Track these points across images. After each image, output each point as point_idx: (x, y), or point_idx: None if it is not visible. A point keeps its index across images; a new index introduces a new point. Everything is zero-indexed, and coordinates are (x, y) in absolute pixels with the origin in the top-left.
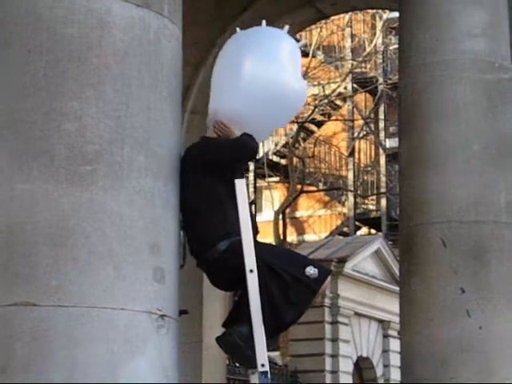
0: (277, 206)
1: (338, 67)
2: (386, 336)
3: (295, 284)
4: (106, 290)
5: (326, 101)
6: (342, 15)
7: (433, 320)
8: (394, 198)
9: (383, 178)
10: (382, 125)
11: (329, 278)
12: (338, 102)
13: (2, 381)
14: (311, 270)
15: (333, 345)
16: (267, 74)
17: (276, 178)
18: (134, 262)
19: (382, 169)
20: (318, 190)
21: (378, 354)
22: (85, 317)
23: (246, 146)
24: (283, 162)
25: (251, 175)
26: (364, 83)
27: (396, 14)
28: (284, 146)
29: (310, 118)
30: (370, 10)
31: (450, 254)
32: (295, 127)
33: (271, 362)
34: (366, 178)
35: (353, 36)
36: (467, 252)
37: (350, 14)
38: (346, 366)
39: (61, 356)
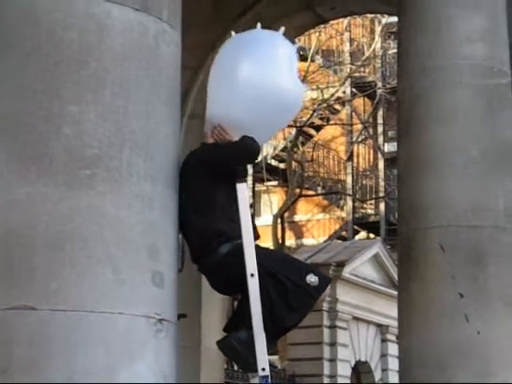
0: (275, 210)
1: (337, 71)
2: (384, 340)
3: (295, 290)
4: (105, 293)
5: (324, 105)
6: (340, 19)
7: (431, 324)
8: (392, 203)
9: (382, 183)
10: (380, 129)
11: (328, 286)
12: (337, 106)
13: (2, 381)
14: (312, 278)
15: (331, 349)
16: (263, 77)
17: (275, 182)
18: (132, 266)
19: (381, 173)
20: (317, 194)
21: (377, 359)
22: (83, 321)
23: (248, 148)
24: (282, 166)
25: (250, 179)
26: (363, 87)
27: (395, 19)
28: (283, 150)
29: (309, 122)
30: (368, 15)
31: (449, 258)
32: (294, 131)
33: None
34: (364, 182)
35: (351, 40)
36: (465, 257)
37: (348, 18)
38: (345, 370)
39: (59, 360)
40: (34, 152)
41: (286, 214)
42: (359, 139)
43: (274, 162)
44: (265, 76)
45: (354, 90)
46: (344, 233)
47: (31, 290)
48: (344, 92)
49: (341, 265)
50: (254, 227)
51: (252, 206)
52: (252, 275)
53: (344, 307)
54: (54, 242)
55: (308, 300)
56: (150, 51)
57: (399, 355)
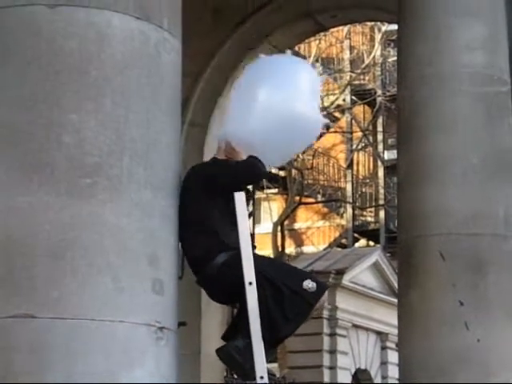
0: (275, 218)
1: (337, 79)
2: (384, 348)
3: (292, 297)
4: (105, 302)
5: (324, 113)
6: (340, 27)
7: (431, 332)
8: (392, 210)
9: (381, 190)
10: (380, 137)
11: (326, 292)
12: (337, 114)
13: None
14: (309, 284)
15: (331, 357)
16: (283, 103)
17: (274, 190)
18: (132, 274)
19: (381, 181)
20: (317, 202)
21: (377, 366)
22: (83, 329)
23: (255, 170)
24: (282, 173)
25: (249, 187)
26: (362, 95)
27: (395, 27)
28: None
29: None
30: (368, 23)
31: (449, 266)
32: None
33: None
34: (364, 189)
35: (351, 48)
36: (466, 264)
37: (348, 26)
38: (345, 378)
39: (59, 367)
40: (34, 161)
41: (286, 222)
42: (359, 147)
43: (273, 170)
44: (284, 101)
45: (353, 97)
46: (344, 240)
47: (32, 298)
48: (344, 100)
49: (341, 272)
50: (251, 237)
51: (252, 213)
52: (250, 283)
53: (344, 315)
54: (55, 251)
55: (305, 306)
56: (150, 59)
57: (399, 363)
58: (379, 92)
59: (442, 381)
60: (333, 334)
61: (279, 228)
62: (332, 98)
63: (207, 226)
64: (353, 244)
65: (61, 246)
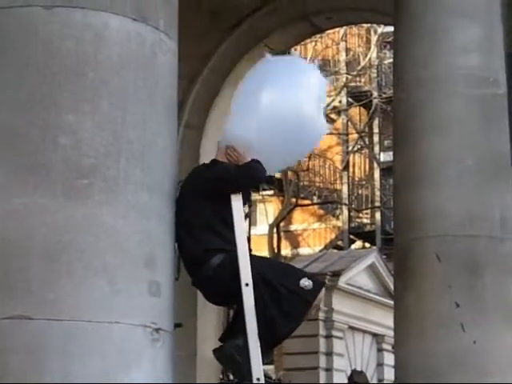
0: (271, 220)
1: (333, 81)
2: (380, 350)
3: (290, 296)
4: (101, 303)
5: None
6: (336, 29)
7: (427, 334)
8: (388, 212)
9: (377, 192)
10: (376, 139)
11: (323, 291)
12: (333, 116)
13: None
14: (306, 282)
15: (327, 358)
16: (287, 106)
17: (270, 192)
18: (129, 275)
19: (377, 183)
20: (313, 204)
21: (373, 368)
22: (80, 330)
23: (254, 174)
24: (278, 175)
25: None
26: (358, 97)
27: (391, 29)
28: None
29: None
30: (364, 25)
31: (445, 268)
32: None
33: (266, 375)
34: (360, 191)
35: (347, 50)
36: (462, 266)
37: (344, 28)
38: (340, 379)
39: (56, 369)
40: (30, 162)
41: (282, 224)
42: (355, 149)
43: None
44: (288, 105)
45: (349, 99)
46: (340, 242)
47: (28, 300)
48: (340, 101)
49: (337, 274)
50: (247, 240)
51: (248, 215)
52: (247, 284)
53: (340, 317)
54: (51, 253)
55: (303, 305)
56: (147, 61)
57: (395, 365)
58: (375, 94)
59: (438, 383)
60: (329, 336)
61: (275, 230)
62: (328, 99)
63: (204, 227)
64: (349, 246)
65: (57, 247)
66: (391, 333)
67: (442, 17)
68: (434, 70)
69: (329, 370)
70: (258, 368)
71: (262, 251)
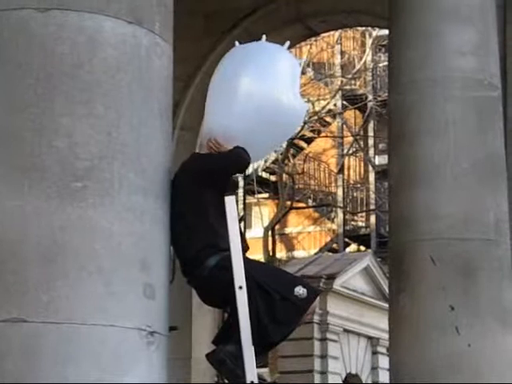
0: (266, 223)
1: (328, 84)
2: (375, 353)
3: (283, 303)
4: (96, 306)
5: (315, 117)
6: (331, 32)
7: (422, 337)
8: (383, 215)
9: (372, 195)
10: (371, 142)
11: (318, 299)
12: (328, 119)
13: None
14: (300, 290)
15: (322, 361)
16: (263, 91)
17: (265, 195)
18: (123, 278)
19: (372, 186)
20: (308, 207)
21: (367, 371)
22: (75, 333)
23: (238, 158)
24: (273, 178)
25: (240, 191)
26: (353, 100)
27: (386, 32)
28: (273, 162)
29: (300, 134)
30: (359, 28)
31: (440, 271)
32: (285, 143)
33: (260, 378)
34: (355, 194)
35: (342, 53)
36: (456, 269)
37: (339, 31)
38: (335, 382)
39: (50, 372)
40: (25, 164)
41: (277, 227)
42: (350, 152)
43: (264, 175)
44: (265, 90)
45: (344, 102)
46: (335, 245)
47: (22, 302)
48: (335, 104)
49: (331, 277)
50: (244, 239)
51: (243, 218)
52: (240, 287)
53: (335, 320)
54: (46, 255)
55: (296, 312)
56: (142, 64)
57: (390, 368)
58: (370, 97)
59: None
60: (324, 339)
61: (270, 233)
62: (323, 102)
63: (199, 227)
64: (344, 249)
65: (52, 250)
66: (386, 336)
67: (437, 19)
68: (429, 73)
69: (323, 373)
70: (251, 371)
71: (257, 254)
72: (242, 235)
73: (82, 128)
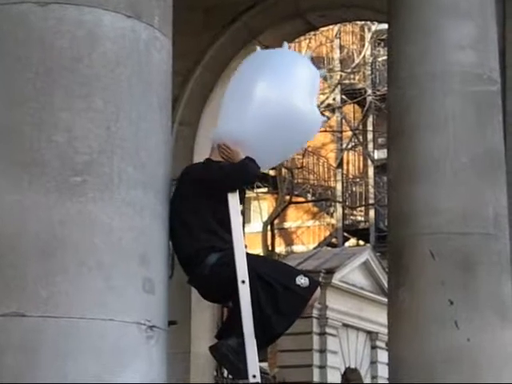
0: (265, 217)
1: (327, 78)
2: (374, 347)
3: (285, 293)
4: (96, 301)
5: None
6: (330, 27)
7: (421, 331)
8: (382, 210)
9: (372, 190)
10: (370, 136)
11: (319, 289)
12: (327, 113)
13: None
14: (302, 280)
15: (321, 356)
16: (279, 98)
17: (264, 189)
18: (123, 272)
19: (371, 180)
20: (307, 201)
21: (366, 366)
22: (74, 328)
23: (247, 173)
24: (272, 172)
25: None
26: (353, 94)
27: (385, 26)
28: None
29: None
30: (358, 22)
31: (439, 265)
32: None
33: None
34: (354, 189)
35: (341, 47)
36: (455, 264)
37: (338, 25)
38: (334, 377)
39: (50, 366)
40: (25, 159)
41: (276, 221)
42: (349, 146)
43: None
44: (282, 97)
45: (343, 96)
46: (334, 240)
47: (22, 296)
48: (334, 99)
49: (330, 272)
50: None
51: (242, 212)
52: (243, 282)
53: (334, 314)
54: (45, 249)
55: (299, 302)
56: (141, 58)
57: (389, 362)
58: (369, 91)
59: (432, 380)
60: (323, 334)
61: (269, 227)
62: (322, 97)
63: (200, 226)
64: (343, 243)
65: (51, 244)
66: (385, 330)
67: (437, 14)
68: (428, 67)
69: (322, 367)
70: (254, 365)
71: (256, 249)
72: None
73: (81, 122)
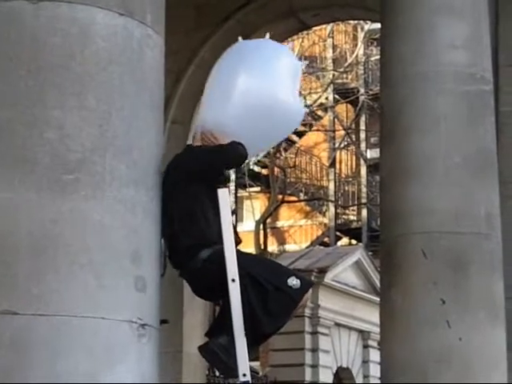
0: (258, 216)
1: (320, 78)
2: (366, 346)
3: (276, 294)
4: (87, 299)
5: (307, 110)
6: (323, 26)
7: (413, 331)
8: (374, 209)
9: (364, 189)
10: (363, 135)
11: (310, 290)
12: (320, 113)
13: None
14: (293, 281)
15: (313, 355)
16: (260, 88)
17: (257, 188)
18: (115, 271)
19: (363, 179)
20: (299, 200)
21: (358, 365)
22: (66, 325)
23: (236, 152)
24: (264, 171)
25: (232, 185)
26: (345, 94)
27: (378, 25)
28: (265, 155)
29: None
30: (351, 21)
31: (431, 264)
32: None
33: (252, 370)
34: (346, 188)
35: (334, 47)
36: (447, 263)
37: (331, 24)
38: (326, 376)
39: (41, 365)
40: (17, 157)
41: (269, 220)
42: (342, 145)
43: (256, 168)
44: (263, 87)
45: (336, 96)
46: (326, 239)
47: (13, 294)
48: (327, 98)
49: (323, 271)
50: (236, 232)
51: (234, 211)
52: (233, 280)
53: (326, 313)
54: (37, 247)
55: (289, 303)
56: (133, 56)
57: (381, 361)
58: (362, 91)
59: (424, 379)
60: (315, 333)
61: (262, 226)
62: (315, 96)
63: (191, 220)
64: (335, 242)
65: (43, 242)
66: (377, 329)
67: (429, 13)
68: (420, 67)
69: (314, 366)
70: (244, 363)
71: (249, 247)
72: (234, 228)
73: (73, 120)
